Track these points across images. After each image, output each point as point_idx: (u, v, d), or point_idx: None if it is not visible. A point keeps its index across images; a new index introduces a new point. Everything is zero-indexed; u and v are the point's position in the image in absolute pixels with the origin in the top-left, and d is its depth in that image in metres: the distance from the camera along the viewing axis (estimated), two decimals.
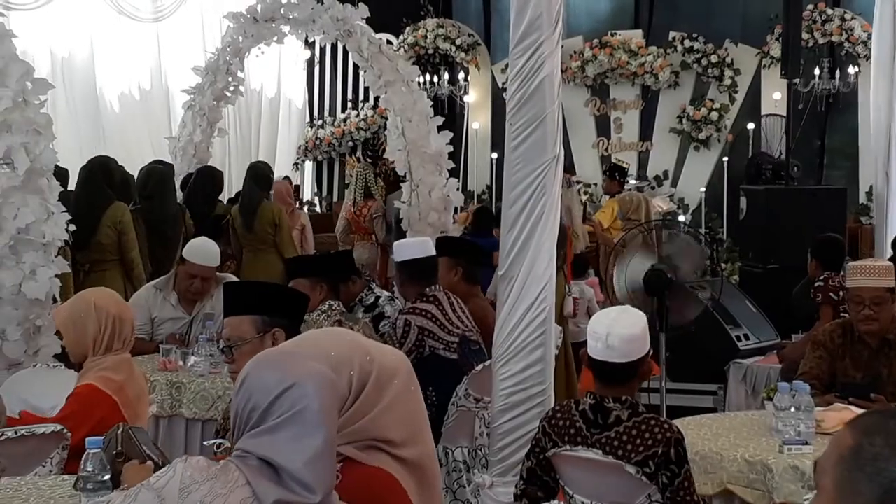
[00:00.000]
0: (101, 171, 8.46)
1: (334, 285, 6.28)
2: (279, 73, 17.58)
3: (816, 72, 14.89)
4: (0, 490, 3.73)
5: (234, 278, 7.07)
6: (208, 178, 10.28)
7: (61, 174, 8.38)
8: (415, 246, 6.62)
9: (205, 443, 4.71)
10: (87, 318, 4.82)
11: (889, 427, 1.86)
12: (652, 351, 4.28)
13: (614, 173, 13.24)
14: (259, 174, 10.12)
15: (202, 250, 6.92)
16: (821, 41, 15.18)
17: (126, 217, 8.35)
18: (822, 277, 7.15)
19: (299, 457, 2.56)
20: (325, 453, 2.60)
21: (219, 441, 3.86)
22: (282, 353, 2.80)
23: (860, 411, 4.76)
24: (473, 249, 7.27)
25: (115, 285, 7.33)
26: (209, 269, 6.87)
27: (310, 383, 2.62)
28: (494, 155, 15.29)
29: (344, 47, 14.31)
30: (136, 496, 2.59)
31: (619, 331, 4.13)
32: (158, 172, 9.46)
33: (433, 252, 6.54)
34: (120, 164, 8.99)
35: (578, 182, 12.67)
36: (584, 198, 14.18)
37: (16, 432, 4.37)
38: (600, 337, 4.16)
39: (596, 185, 15.53)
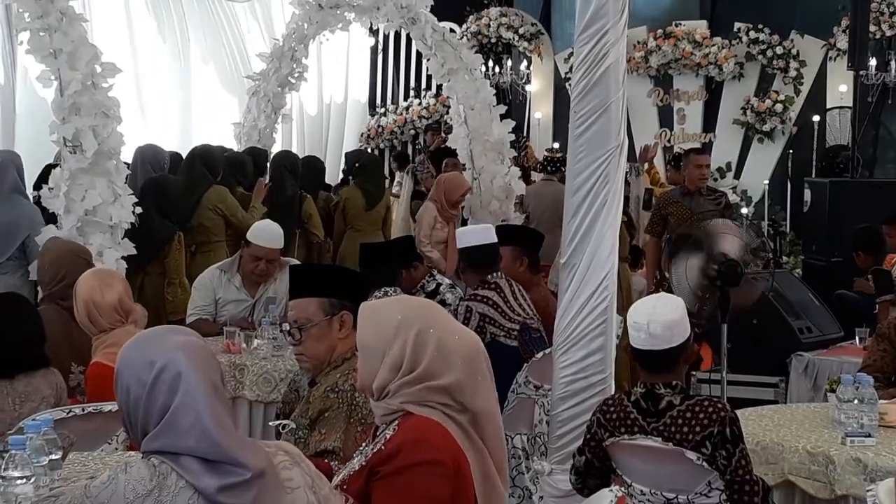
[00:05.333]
0: (202, 157, 8.76)
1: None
2: (347, 60, 17.65)
3: (873, 62, 14.69)
4: (68, 465, 3.80)
5: (298, 262, 7.12)
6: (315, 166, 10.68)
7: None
8: (477, 233, 6.63)
9: (269, 423, 4.77)
10: (75, 304, 5.00)
11: None
12: (692, 334, 4.26)
13: (678, 163, 13.14)
14: (379, 162, 10.79)
15: (267, 233, 6.97)
16: (888, 33, 14.98)
17: (228, 200, 8.58)
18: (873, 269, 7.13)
19: (212, 436, 2.54)
20: (224, 421, 2.59)
21: (283, 422, 3.91)
22: (146, 337, 2.72)
23: None
24: (536, 238, 7.28)
25: None
26: (273, 251, 6.92)
27: (179, 358, 2.59)
28: (556, 145, 15.24)
29: (407, 35, 14.34)
30: None
31: (658, 318, 4.18)
32: (276, 158, 9.87)
33: (495, 239, 6.54)
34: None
35: (642, 173, 12.58)
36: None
37: (83, 410, 4.46)
38: (641, 326, 4.19)
39: (655, 154, 15.38)
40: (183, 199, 8.31)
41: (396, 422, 3.14)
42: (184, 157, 9.18)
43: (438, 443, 3.08)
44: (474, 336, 3.32)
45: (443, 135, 15.55)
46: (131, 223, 7.19)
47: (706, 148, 10.06)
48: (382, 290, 6.14)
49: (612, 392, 5.23)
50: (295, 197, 9.52)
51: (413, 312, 3.20)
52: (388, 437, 3.12)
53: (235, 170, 9.21)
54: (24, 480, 3.17)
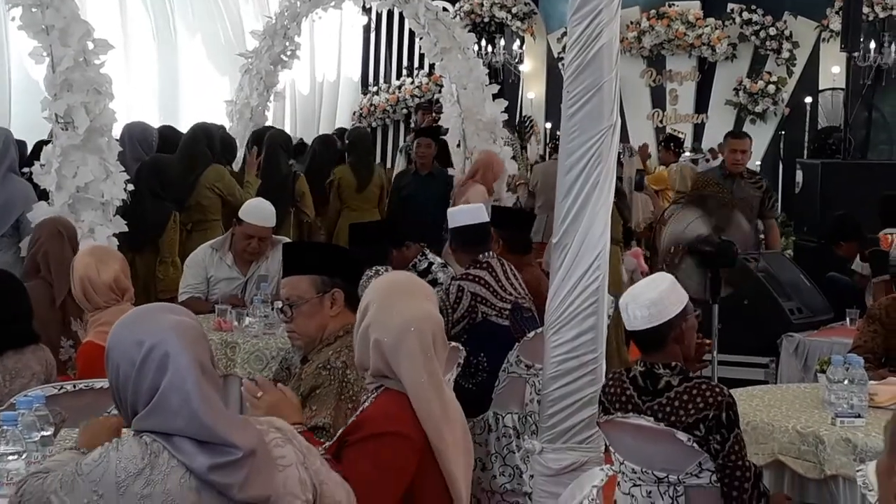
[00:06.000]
0: (202, 136, 8.75)
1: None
2: (340, 38, 17.60)
3: (874, 45, 14.72)
4: (60, 441, 3.80)
5: (289, 240, 7.11)
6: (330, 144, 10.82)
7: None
8: (468, 212, 6.61)
9: None
10: (71, 280, 4.99)
11: None
12: (689, 313, 4.28)
13: (670, 143, 13.19)
14: (370, 141, 10.95)
15: (258, 210, 6.96)
16: (881, 15, 14.99)
17: (226, 179, 8.63)
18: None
19: (200, 418, 2.55)
20: (213, 402, 2.60)
21: None
22: (136, 315, 2.73)
23: None
24: (521, 219, 7.27)
25: None
26: (266, 229, 6.91)
27: (168, 338, 2.60)
28: (549, 125, 15.24)
29: (400, 14, 14.33)
30: (72, 485, 2.57)
31: (638, 298, 4.26)
32: (270, 137, 9.85)
33: (486, 218, 6.53)
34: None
35: (635, 153, 12.62)
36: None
37: (74, 386, 4.47)
38: (625, 308, 4.29)
39: (648, 145, 15.44)
40: (181, 178, 8.33)
41: (375, 395, 3.35)
42: (173, 132, 9.20)
43: (407, 417, 3.25)
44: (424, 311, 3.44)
45: (434, 114, 15.56)
46: (125, 204, 7.19)
47: (740, 133, 9.81)
48: (374, 269, 6.15)
49: (603, 371, 5.25)
50: (289, 175, 9.53)
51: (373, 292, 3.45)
52: (364, 408, 3.34)
53: (225, 149, 9.22)
54: (16, 456, 3.17)
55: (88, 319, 5.19)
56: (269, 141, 9.72)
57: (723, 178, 9.11)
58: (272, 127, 10.85)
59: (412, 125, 16.99)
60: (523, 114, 17.05)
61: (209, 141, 8.77)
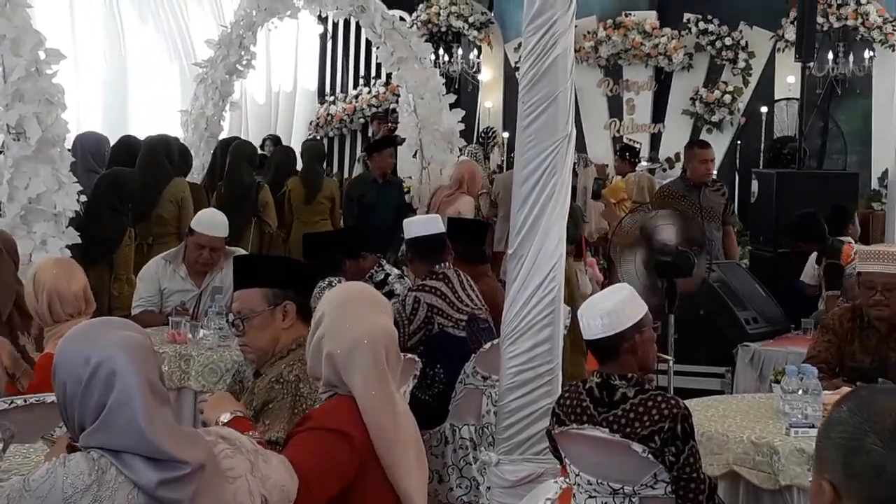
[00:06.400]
0: (163, 148, 8.70)
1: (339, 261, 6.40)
2: (296, 48, 17.55)
3: (830, 56, 14.83)
4: (9, 457, 3.75)
5: (244, 252, 7.07)
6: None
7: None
8: (423, 223, 6.60)
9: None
10: (28, 288, 4.93)
11: (859, 395, 1.86)
12: (646, 325, 4.27)
13: (625, 153, 13.23)
14: (320, 153, 10.88)
15: (210, 221, 6.89)
16: (836, 25, 15.10)
17: (187, 193, 8.61)
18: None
19: (146, 437, 2.53)
20: (160, 419, 2.58)
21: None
22: (84, 331, 2.71)
23: None
24: (474, 229, 7.27)
25: None
26: (218, 239, 6.83)
27: (115, 355, 2.57)
28: (506, 134, 15.26)
29: (357, 23, 14.28)
30: (18, 500, 2.53)
31: (595, 306, 4.27)
32: (235, 147, 9.92)
33: (442, 229, 6.52)
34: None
35: (590, 163, 12.64)
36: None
37: (25, 401, 4.39)
38: (581, 316, 4.31)
39: (607, 165, 15.51)
40: (142, 191, 8.30)
41: (325, 399, 3.43)
42: (118, 141, 9.16)
43: (353, 420, 3.29)
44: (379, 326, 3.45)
45: (389, 124, 15.56)
46: (79, 216, 7.12)
47: (704, 143, 9.77)
48: (327, 280, 6.13)
49: (560, 382, 5.25)
50: (252, 186, 9.54)
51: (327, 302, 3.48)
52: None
53: (182, 160, 9.19)
54: None
55: (46, 334, 5.11)
56: (233, 151, 9.74)
57: (687, 189, 9.06)
58: (238, 137, 10.84)
59: (368, 135, 16.97)
60: (481, 123, 17.05)
61: (168, 152, 8.73)
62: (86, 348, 2.60)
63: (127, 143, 9.11)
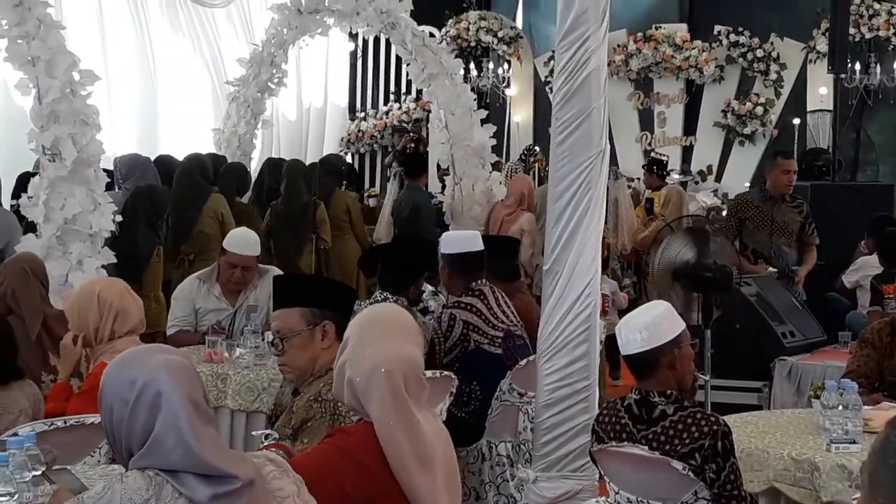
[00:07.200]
0: (197, 166, 8.86)
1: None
2: (327, 65, 17.62)
3: (858, 66, 14.74)
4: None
5: (279, 271, 7.07)
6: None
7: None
8: (466, 239, 6.51)
9: (253, 433, 4.74)
10: (90, 308, 4.92)
11: None
12: (684, 341, 4.25)
13: (653, 167, 13.18)
14: (328, 166, 10.72)
15: (242, 240, 6.88)
16: (867, 36, 15.03)
17: (227, 209, 8.68)
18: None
19: (195, 453, 2.57)
20: (207, 437, 2.62)
21: (266, 432, 3.88)
22: (129, 356, 2.75)
23: None
24: (507, 245, 7.22)
25: None
26: (249, 258, 6.82)
27: (160, 376, 2.62)
28: (537, 148, 15.24)
29: (387, 40, 14.33)
30: None
31: (632, 321, 4.25)
32: (290, 166, 10.02)
33: (481, 246, 6.44)
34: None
35: (621, 176, 12.62)
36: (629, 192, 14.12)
37: (65, 422, 4.41)
38: (619, 331, 4.28)
39: (638, 179, 15.46)
40: (180, 209, 8.41)
41: (354, 421, 3.44)
42: (154, 161, 9.25)
43: (368, 444, 3.26)
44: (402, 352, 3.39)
45: (410, 134, 15.60)
46: (115, 237, 7.15)
47: (788, 153, 9.54)
48: (383, 294, 6.06)
49: (596, 399, 5.23)
50: (309, 203, 9.61)
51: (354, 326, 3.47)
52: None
53: (236, 178, 9.43)
54: (7, 497, 3.13)
55: (98, 349, 5.05)
56: (289, 170, 9.85)
57: (762, 200, 8.80)
58: (281, 159, 10.92)
59: (389, 148, 16.99)
60: (511, 138, 17.05)
61: (202, 170, 8.80)
62: (131, 371, 2.64)
63: (162, 162, 9.19)
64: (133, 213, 7.42)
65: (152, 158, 9.44)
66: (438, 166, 13.35)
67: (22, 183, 8.01)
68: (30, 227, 7.18)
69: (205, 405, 2.68)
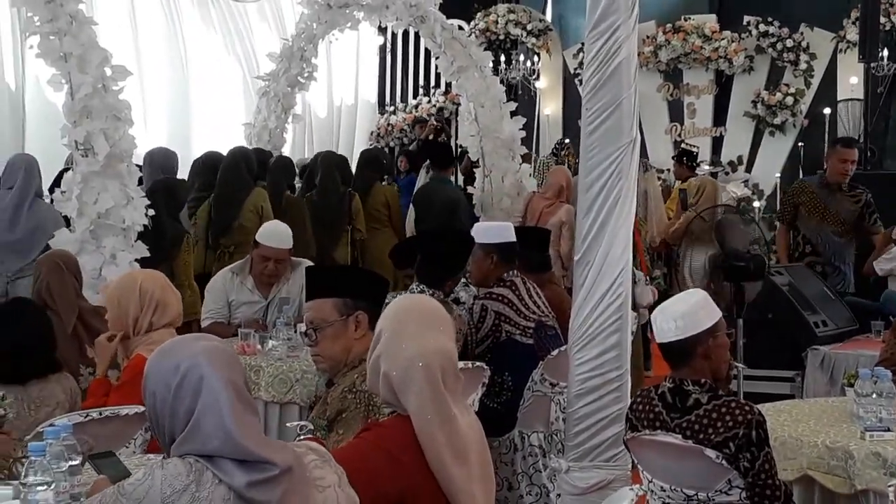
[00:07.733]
0: (242, 159, 8.90)
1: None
2: (357, 59, 17.64)
3: (885, 53, 14.63)
4: (87, 469, 3.79)
5: (310, 263, 7.10)
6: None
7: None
8: (500, 230, 6.47)
9: (287, 424, 4.77)
10: (131, 299, 4.95)
11: None
12: (719, 330, 4.24)
13: (682, 158, 13.13)
14: (370, 158, 10.77)
15: (274, 233, 6.94)
16: None
17: (267, 203, 8.73)
18: None
19: (234, 438, 2.60)
20: (248, 422, 2.65)
21: (302, 423, 3.90)
22: (172, 344, 2.80)
23: None
24: (537, 236, 7.16)
25: None
26: (282, 251, 6.88)
27: (202, 361, 2.66)
28: (567, 142, 15.22)
29: (416, 33, 14.33)
30: None
31: (668, 309, 4.25)
32: (324, 158, 10.11)
33: (514, 238, 6.41)
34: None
35: (651, 168, 12.56)
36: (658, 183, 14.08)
37: (100, 413, 4.45)
38: (655, 319, 4.29)
39: (669, 170, 15.42)
40: (225, 204, 8.57)
41: (387, 415, 3.43)
42: (203, 156, 9.39)
43: (405, 441, 3.25)
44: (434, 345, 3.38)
45: (434, 124, 15.61)
46: (144, 228, 7.20)
47: (849, 141, 9.37)
48: (420, 287, 5.99)
49: (629, 389, 5.23)
50: (345, 195, 9.70)
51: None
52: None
53: (285, 171, 9.60)
54: (45, 487, 3.16)
55: (135, 340, 5.09)
56: (323, 161, 9.92)
57: (819, 188, 8.74)
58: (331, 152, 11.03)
59: (411, 139, 16.99)
60: (541, 130, 17.03)
61: (248, 163, 8.89)
62: (174, 357, 2.69)
63: (210, 157, 9.26)
64: (154, 207, 7.44)
65: (182, 153, 9.50)
66: (462, 156, 13.36)
67: (59, 179, 8.07)
68: (64, 222, 7.23)
69: (246, 393, 2.72)
